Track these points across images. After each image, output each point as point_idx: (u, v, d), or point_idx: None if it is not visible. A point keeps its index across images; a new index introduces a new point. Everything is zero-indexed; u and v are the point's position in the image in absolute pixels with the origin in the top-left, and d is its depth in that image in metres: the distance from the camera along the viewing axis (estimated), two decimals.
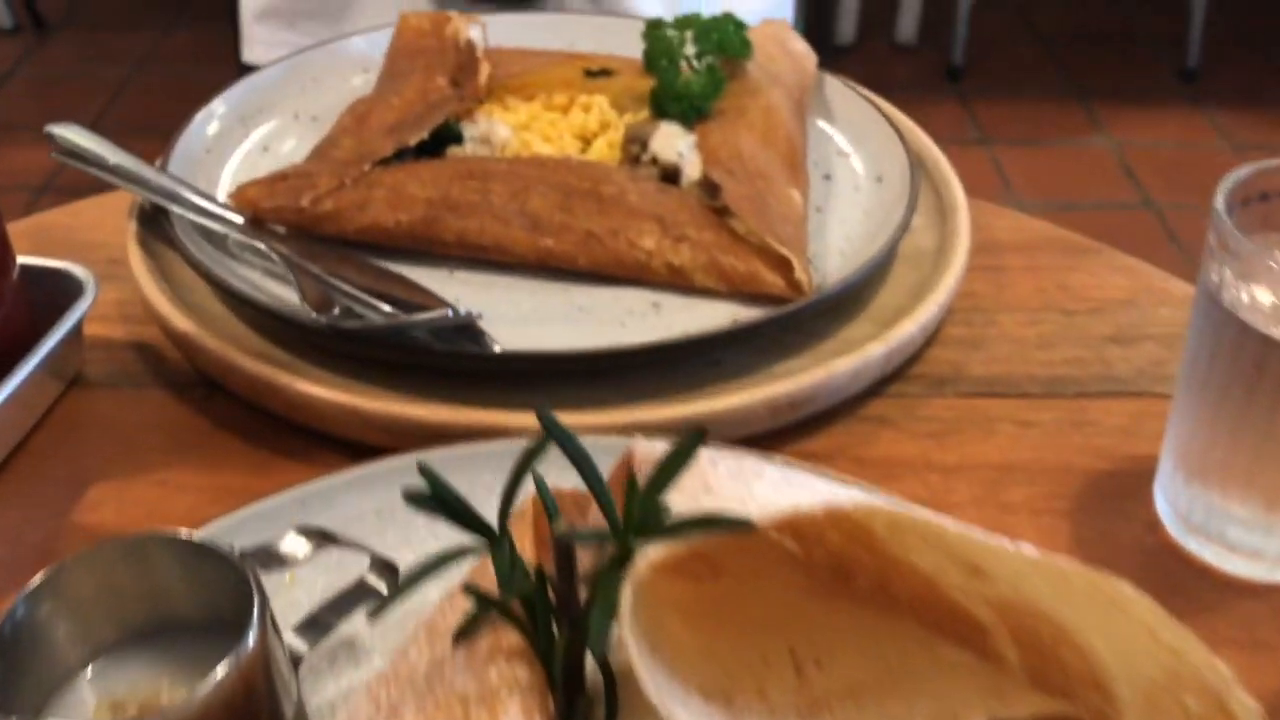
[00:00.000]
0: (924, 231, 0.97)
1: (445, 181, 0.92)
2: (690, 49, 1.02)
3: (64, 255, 1.01)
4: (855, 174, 1.03)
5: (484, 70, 1.04)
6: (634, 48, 1.14)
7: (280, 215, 0.90)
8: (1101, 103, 3.89)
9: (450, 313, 0.79)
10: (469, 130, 1.01)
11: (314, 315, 0.81)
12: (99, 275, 0.97)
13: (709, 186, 0.95)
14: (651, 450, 0.48)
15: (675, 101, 0.99)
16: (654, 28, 1.03)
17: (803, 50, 1.11)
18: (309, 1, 1.60)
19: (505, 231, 0.89)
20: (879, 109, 1.08)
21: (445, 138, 0.99)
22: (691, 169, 0.96)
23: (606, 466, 0.47)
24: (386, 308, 0.83)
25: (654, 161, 0.98)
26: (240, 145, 1.05)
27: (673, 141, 0.98)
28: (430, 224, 0.90)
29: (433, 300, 0.85)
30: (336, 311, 0.81)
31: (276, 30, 1.63)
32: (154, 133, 3.87)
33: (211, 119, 1.05)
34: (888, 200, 0.98)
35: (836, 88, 1.12)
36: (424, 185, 0.91)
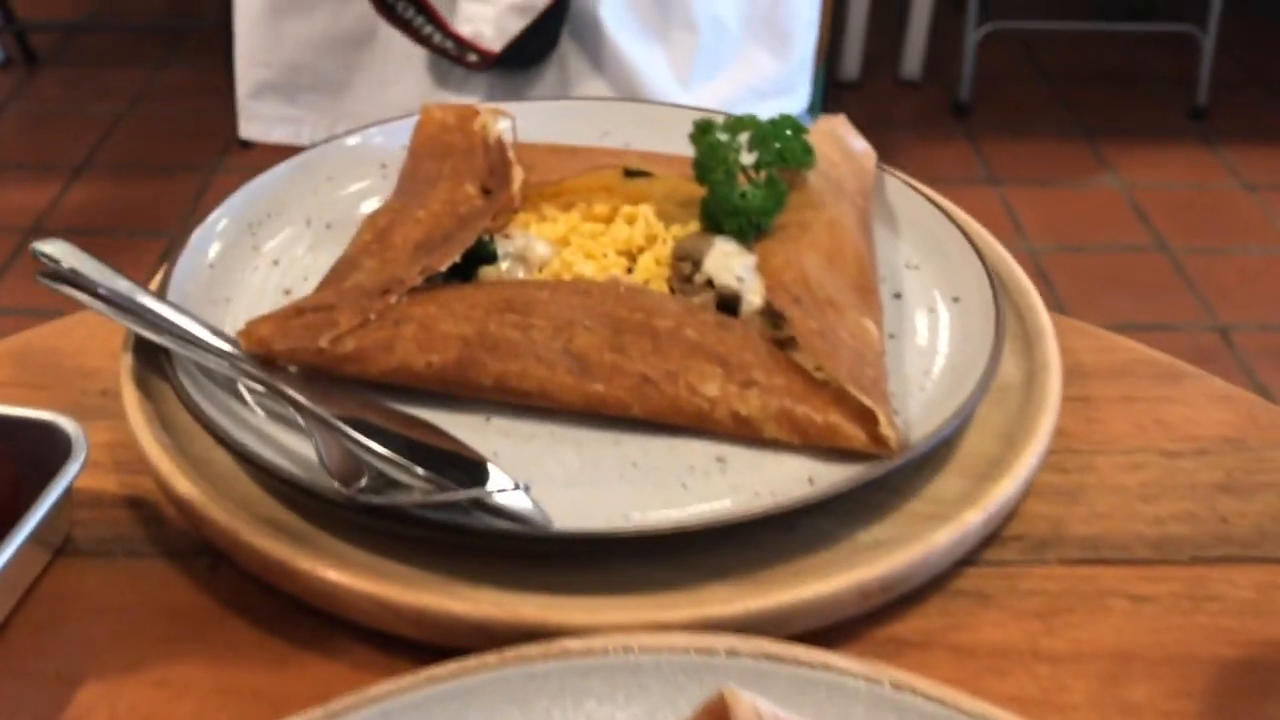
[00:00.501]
0: (1007, 359, 0.87)
1: (481, 316, 0.81)
2: (745, 156, 0.91)
3: (49, 385, 0.91)
4: (929, 292, 0.92)
5: (517, 176, 0.93)
6: (670, 138, 1.04)
7: (296, 356, 0.79)
8: (1109, 141, 3.80)
9: (497, 487, 0.68)
10: (503, 247, 0.90)
11: (337, 487, 0.70)
12: (90, 410, 0.87)
13: (772, 315, 0.85)
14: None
15: (732, 217, 0.89)
16: (703, 132, 0.92)
17: (863, 149, 1.01)
18: (308, 74, 1.50)
19: (550, 375, 0.78)
20: (949, 215, 0.97)
21: (477, 256, 0.88)
22: (753, 295, 0.85)
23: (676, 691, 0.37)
24: (420, 471, 0.71)
25: (709, 284, 0.87)
26: (248, 260, 0.94)
27: (730, 263, 0.87)
28: (465, 367, 0.78)
29: (469, 453, 0.74)
30: (364, 482, 0.70)
31: (276, 105, 1.52)
32: (147, 171, 3.75)
33: (213, 233, 0.94)
34: (969, 326, 0.87)
35: (900, 190, 1.01)
36: (458, 321, 0.80)
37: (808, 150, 0.91)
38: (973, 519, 0.74)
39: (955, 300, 0.91)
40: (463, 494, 0.68)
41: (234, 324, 0.87)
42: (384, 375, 0.79)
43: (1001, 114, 3.96)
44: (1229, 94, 3.98)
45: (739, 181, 0.90)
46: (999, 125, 3.92)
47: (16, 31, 4.15)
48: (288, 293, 0.91)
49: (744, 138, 0.93)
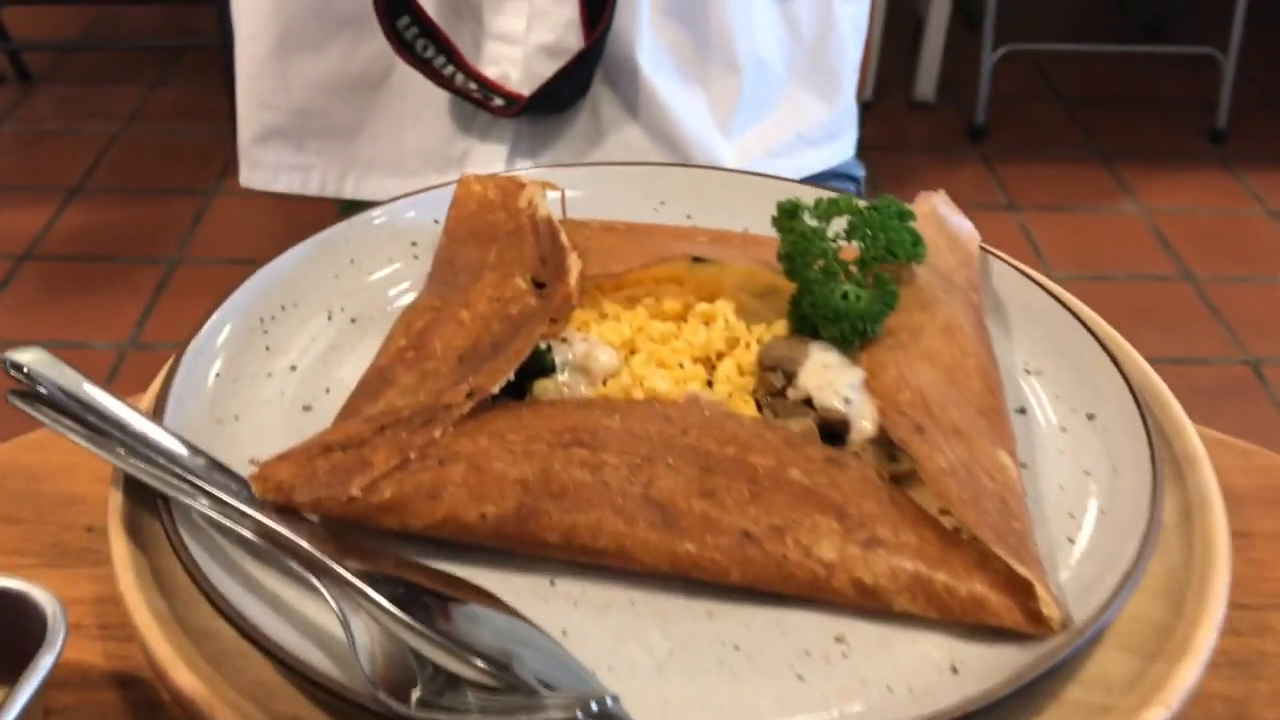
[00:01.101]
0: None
1: (543, 451, 0.66)
2: (832, 238, 0.77)
3: (25, 518, 0.76)
4: (1057, 406, 0.77)
5: (574, 266, 0.78)
6: (736, 209, 0.91)
7: (322, 506, 0.64)
8: (1128, 166, 3.67)
9: (581, 711, 0.53)
10: (561, 355, 0.75)
11: (383, 697, 0.55)
12: (73, 553, 0.72)
13: (887, 446, 0.70)
14: None
15: (832, 322, 0.74)
16: (789, 216, 0.77)
17: (967, 232, 0.86)
18: (317, 119, 1.34)
19: (629, 530, 0.63)
20: (1068, 307, 0.82)
21: (533, 368, 0.73)
22: (864, 421, 0.70)
23: None
24: (480, 663, 0.56)
25: (807, 403, 0.72)
26: (260, 364, 0.79)
27: (832, 378, 0.72)
28: (526, 519, 0.64)
29: (536, 635, 0.60)
30: (417, 692, 0.55)
31: (282, 152, 1.36)
32: (143, 194, 3.59)
33: (218, 334, 0.79)
34: (1113, 452, 0.73)
35: (1008, 276, 0.86)
36: (515, 458, 0.65)
37: (917, 241, 0.76)
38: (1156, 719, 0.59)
39: (1090, 418, 0.76)
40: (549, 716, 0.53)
41: (244, 449, 0.72)
42: (429, 529, 0.64)
43: (1017, 137, 3.82)
44: (1248, 117, 3.84)
45: (839, 279, 0.75)
46: (1015, 149, 3.78)
47: (11, 51, 3.99)
48: (308, 409, 0.76)
49: (838, 223, 0.78)
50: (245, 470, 0.70)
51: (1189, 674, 0.61)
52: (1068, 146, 3.78)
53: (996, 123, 3.82)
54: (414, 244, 0.90)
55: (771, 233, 0.83)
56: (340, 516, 0.65)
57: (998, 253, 0.88)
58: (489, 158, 1.34)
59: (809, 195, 0.83)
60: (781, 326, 0.78)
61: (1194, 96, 3.90)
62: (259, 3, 1.28)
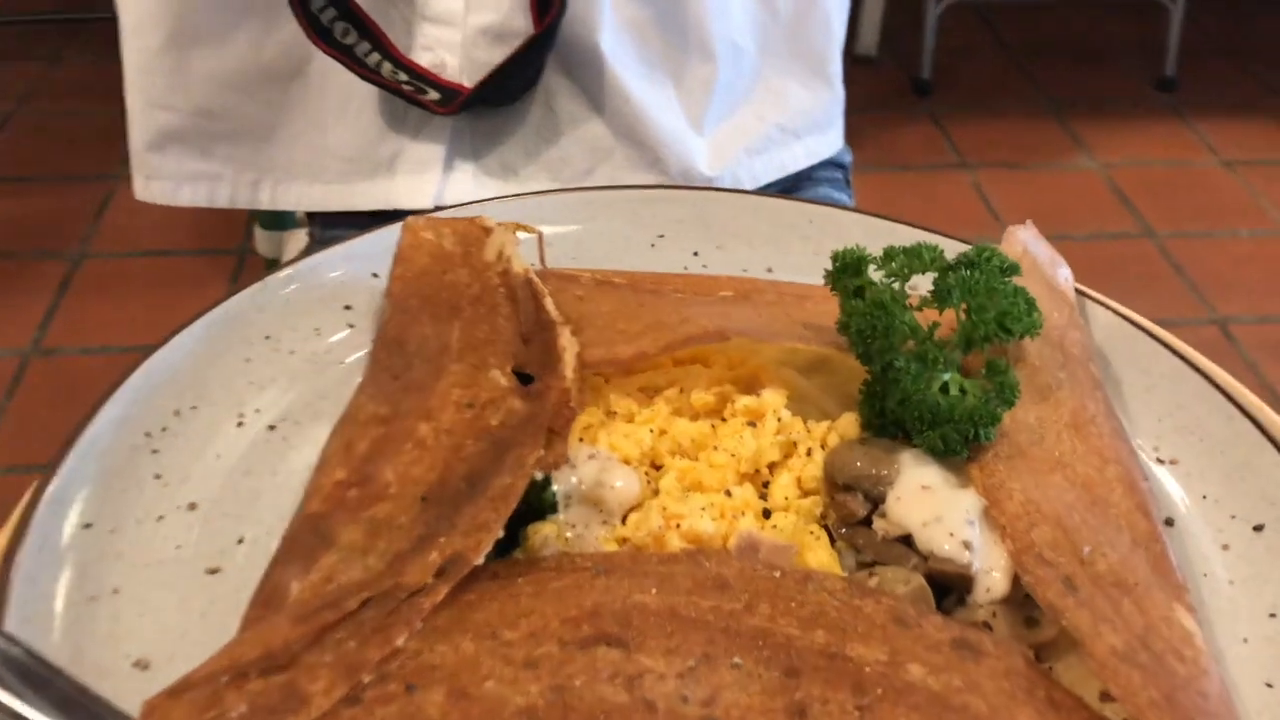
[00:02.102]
0: None
1: (555, 659, 0.45)
2: (913, 303, 0.56)
3: None
4: (1209, 511, 0.58)
5: (568, 350, 0.57)
6: (751, 240, 0.71)
7: None
8: (1079, 118, 3.51)
9: None
10: (563, 482, 0.54)
11: None
12: None
13: (1018, 604, 0.50)
14: None
15: (931, 426, 0.53)
16: (850, 272, 0.57)
17: (1064, 275, 0.66)
18: (223, 120, 1.10)
19: None
20: (1208, 376, 0.63)
21: (524, 509, 0.52)
22: (992, 573, 0.50)
23: None
24: None
25: (905, 542, 0.52)
26: (149, 503, 0.57)
27: (938, 508, 0.52)
28: None
29: None
30: None
31: (183, 159, 1.13)
32: (41, 181, 3.29)
33: (88, 457, 0.56)
34: None
35: (1118, 328, 0.67)
36: (516, 674, 0.44)
37: (1033, 307, 0.56)
38: None
39: (1259, 530, 0.57)
40: None
41: (125, 643, 0.51)
42: None
43: (965, 92, 3.64)
44: (1197, 63, 3.70)
45: (937, 365, 0.54)
46: (963, 104, 3.60)
47: None
48: (214, 572, 0.54)
49: (919, 279, 0.58)
50: (124, 680, 0.48)
51: None
52: (1017, 99, 3.61)
53: (942, 77, 3.62)
54: (348, 308, 0.68)
55: (805, 272, 0.63)
56: None
57: (1099, 296, 0.68)
58: (423, 160, 1.11)
59: (857, 232, 0.63)
60: (851, 424, 0.58)
61: (1142, 43, 3.75)
62: None
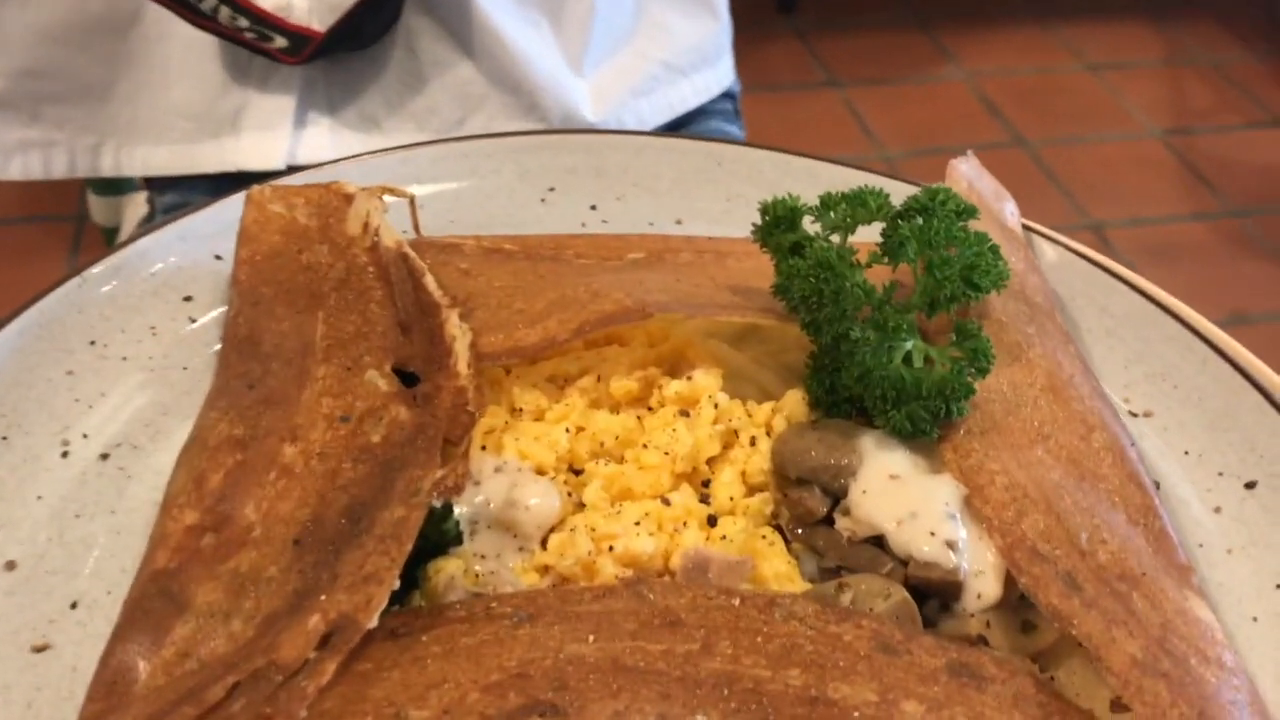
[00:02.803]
0: None
1: None
2: (860, 259, 0.48)
3: None
4: (1193, 468, 0.52)
5: (459, 336, 0.48)
6: (654, 188, 0.63)
7: None
8: (944, 27, 3.48)
9: None
10: (468, 506, 0.45)
11: None
12: None
13: (1017, 609, 0.43)
14: None
15: (896, 405, 0.46)
16: (784, 227, 0.49)
17: (1011, 211, 0.59)
18: (52, 80, 0.98)
19: None
20: (1180, 318, 0.57)
21: (422, 545, 0.43)
22: (982, 573, 0.43)
23: None
24: None
25: (879, 542, 0.44)
26: None
27: (913, 502, 0.44)
28: None
29: None
30: None
31: (9, 127, 1.00)
32: None
33: None
34: None
35: (1073, 265, 0.60)
36: None
37: (997, 255, 0.48)
38: None
39: (1250, 487, 0.51)
40: None
41: None
42: None
43: (829, 6, 3.58)
44: None
45: (898, 333, 0.46)
46: (828, 19, 3.54)
47: None
48: (42, 649, 0.44)
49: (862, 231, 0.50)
50: None
51: None
52: (882, 11, 3.56)
53: None
54: (188, 299, 0.57)
55: (718, 223, 0.55)
56: None
57: (1049, 232, 0.61)
58: (272, 115, 1.00)
59: (776, 171, 0.55)
60: (798, 403, 0.50)
61: None
62: None
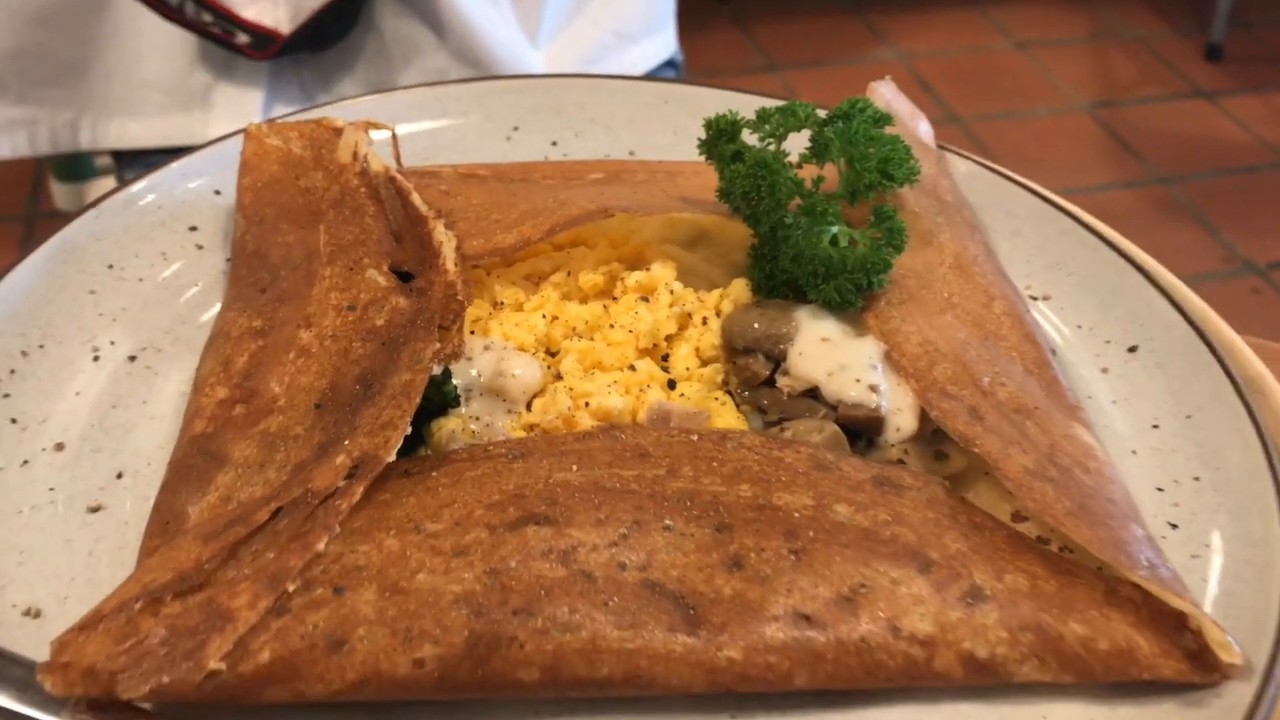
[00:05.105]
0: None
1: (485, 544, 0.44)
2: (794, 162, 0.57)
3: None
4: (1086, 339, 0.61)
5: (446, 244, 0.55)
6: (610, 123, 0.72)
7: (167, 694, 0.40)
8: (877, 10, 3.59)
9: None
10: (462, 376, 0.52)
11: None
12: None
13: (932, 440, 0.52)
14: None
15: (825, 279, 0.54)
16: (725, 136, 0.57)
17: (925, 130, 0.68)
18: (36, 61, 1.04)
19: (640, 643, 0.43)
20: (1072, 214, 0.66)
21: (424, 407, 0.51)
22: (900, 412, 0.52)
23: None
24: None
25: (810, 393, 0.53)
26: (7, 449, 0.53)
27: (840, 358, 0.53)
28: (486, 655, 0.42)
29: None
30: None
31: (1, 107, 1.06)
32: None
33: None
34: (1176, 391, 0.57)
35: (980, 176, 0.69)
36: (446, 563, 0.44)
37: (909, 153, 0.57)
38: None
39: (1133, 350, 0.60)
40: None
41: (7, 593, 0.48)
42: (339, 694, 0.42)
43: None
44: None
45: (825, 219, 0.55)
46: (764, 5, 3.64)
47: None
48: (96, 510, 0.51)
49: (794, 139, 0.58)
50: (15, 631, 0.45)
51: None
52: None
53: None
54: (193, 229, 0.65)
55: (667, 153, 0.63)
56: (197, 703, 0.41)
57: (957, 149, 0.70)
58: (243, 89, 1.07)
59: (715, 104, 0.63)
60: (742, 289, 0.58)
61: None
62: None
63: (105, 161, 1.51)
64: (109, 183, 1.71)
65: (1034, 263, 0.65)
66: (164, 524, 0.47)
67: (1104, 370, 0.60)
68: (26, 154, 1.09)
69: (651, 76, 0.77)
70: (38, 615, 0.47)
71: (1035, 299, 0.64)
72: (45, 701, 0.41)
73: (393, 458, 0.46)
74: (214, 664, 0.40)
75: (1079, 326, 0.62)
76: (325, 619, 0.42)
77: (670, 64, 1.29)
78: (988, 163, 0.69)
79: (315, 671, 0.41)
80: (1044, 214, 0.66)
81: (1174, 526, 0.52)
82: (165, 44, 1.03)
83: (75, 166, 1.67)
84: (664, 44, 1.23)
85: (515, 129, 0.73)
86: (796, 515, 0.46)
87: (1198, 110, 3.36)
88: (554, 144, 0.73)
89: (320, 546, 0.43)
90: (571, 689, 0.43)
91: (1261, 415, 0.57)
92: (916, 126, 0.67)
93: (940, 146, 0.70)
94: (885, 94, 0.67)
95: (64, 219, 0.64)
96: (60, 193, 1.77)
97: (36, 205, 2.55)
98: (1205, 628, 0.44)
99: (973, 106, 3.32)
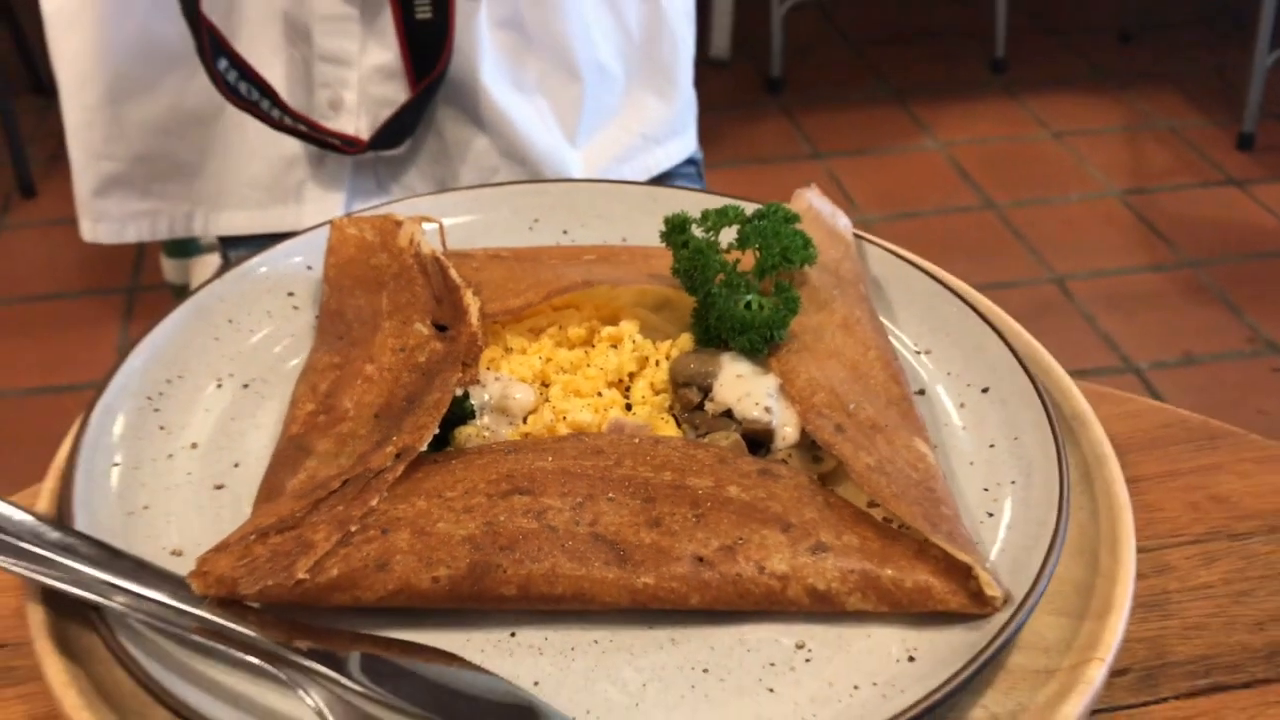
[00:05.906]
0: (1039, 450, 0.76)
1: (484, 504, 0.66)
2: (725, 249, 0.79)
3: None
4: (953, 384, 0.81)
5: (472, 305, 0.78)
6: (611, 219, 0.93)
7: (269, 595, 0.62)
8: (920, 102, 3.81)
9: None
10: (478, 397, 0.74)
11: None
12: None
13: (810, 449, 0.73)
14: None
15: (740, 333, 0.76)
16: (678, 230, 0.79)
17: (843, 223, 0.89)
18: (159, 162, 1.29)
19: (585, 573, 0.64)
20: (950, 287, 0.86)
21: (450, 418, 0.73)
22: (786, 427, 0.73)
23: None
24: None
25: (728, 415, 0.74)
26: (159, 446, 0.76)
27: (748, 388, 0.74)
28: (481, 576, 0.64)
29: (511, 695, 0.60)
30: None
31: (126, 201, 1.31)
32: None
33: (111, 421, 0.75)
34: (1012, 421, 0.77)
35: (887, 260, 0.90)
36: (457, 517, 0.65)
37: (808, 243, 0.79)
38: (1096, 675, 0.64)
39: (985, 391, 0.80)
40: None
41: (161, 540, 0.70)
42: (382, 600, 0.64)
43: (813, 86, 3.93)
44: (1023, 43, 4.04)
45: (741, 290, 0.77)
46: (813, 97, 3.88)
47: None
48: (220, 488, 0.74)
49: (728, 233, 0.80)
50: (167, 562, 0.67)
51: (1117, 627, 0.66)
52: (862, 89, 3.91)
53: (792, 73, 3.91)
54: (290, 294, 0.88)
55: (652, 240, 0.84)
56: (288, 601, 0.63)
57: (872, 238, 0.91)
58: (329, 185, 1.31)
59: (690, 204, 0.85)
60: (687, 340, 0.80)
61: (971, 28, 4.08)
62: (80, 50, 1.22)
63: (209, 240, 1.77)
64: (212, 259, 1.98)
65: (921, 325, 0.86)
66: (269, 493, 0.70)
67: (962, 405, 0.80)
68: (147, 239, 1.34)
69: (645, 182, 0.99)
70: (180, 554, 0.69)
71: (919, 352, 0.84)
72: (191, 598, 0.63)
73: (425, 449, 0.68)
74: (300, 575, 0.62)
75: (948, 374, 0.82)
76: (375, 549, 0.64)
77: (690, 161, 1.52)
78: (897, 249, 0.90)
79: (366, 583, 0.63)
80: (931, 288, 0.87)
81: (990, 515, 0.72)
82: (265, 150, 1.28)
83: (184, 246, 1.96)
84: (685, 145, 1.46)
85: (536, 220, 0.96)
86: (700, 492, 0.67)
87: (1228, 197, 3.51)
88: (565, 232, 0.95)
89: (373, 503, 0.65)
90: (537, 603, 0.64)
91: (1080, 436, 0.77)
92: (835, 221, 0.88)
93: (858, 236, 0.91)
94: (809, 197, 0.89)
95: (169, 290, 0.87)
96: (169, 267, 2.05)
97: (138, 280, 2.85)
98: (979, 574, 0.64)
99: (1008, 193, 3.50)
